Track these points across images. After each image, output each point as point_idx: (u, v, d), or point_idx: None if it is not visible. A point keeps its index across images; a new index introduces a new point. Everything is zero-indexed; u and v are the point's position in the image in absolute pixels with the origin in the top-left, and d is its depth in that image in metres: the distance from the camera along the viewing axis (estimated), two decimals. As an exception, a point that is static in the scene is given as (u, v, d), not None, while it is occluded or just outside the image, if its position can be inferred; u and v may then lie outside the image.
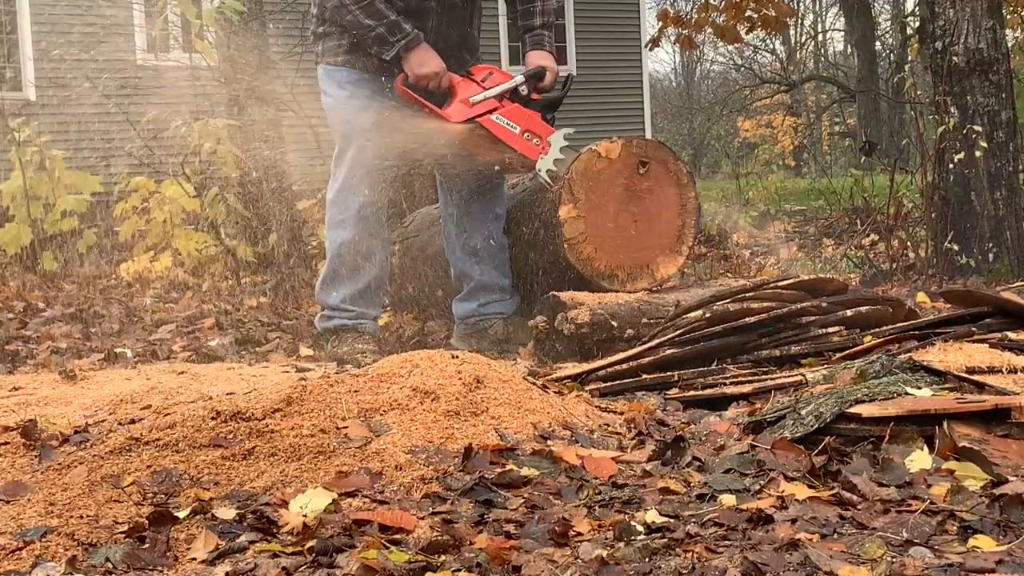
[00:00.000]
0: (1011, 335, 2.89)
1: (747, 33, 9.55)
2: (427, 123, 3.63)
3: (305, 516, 1.80)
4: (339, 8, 3.55)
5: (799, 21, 26.39)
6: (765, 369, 2.90)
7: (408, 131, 3.70)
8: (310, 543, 1.69)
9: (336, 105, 3.71)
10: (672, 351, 2.95)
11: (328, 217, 3.76)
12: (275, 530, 1.78)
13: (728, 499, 1.89)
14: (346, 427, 2.19)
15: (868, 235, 6.60)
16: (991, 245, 4.95)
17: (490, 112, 3.58)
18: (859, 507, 1.85)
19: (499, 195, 3.90)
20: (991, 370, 2.59)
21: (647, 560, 1.63)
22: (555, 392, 2.68)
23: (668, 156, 3.81)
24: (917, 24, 9.43)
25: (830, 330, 3.03)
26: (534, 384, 2.62)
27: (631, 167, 3.72)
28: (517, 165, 3.69)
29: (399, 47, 3.53)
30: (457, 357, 2.52)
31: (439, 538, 1.71)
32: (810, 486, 1.94)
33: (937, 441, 2.08)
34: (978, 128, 4.90)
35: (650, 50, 10.89)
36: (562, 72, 3.85)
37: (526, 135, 3.60)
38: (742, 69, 27.70)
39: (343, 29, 3.64)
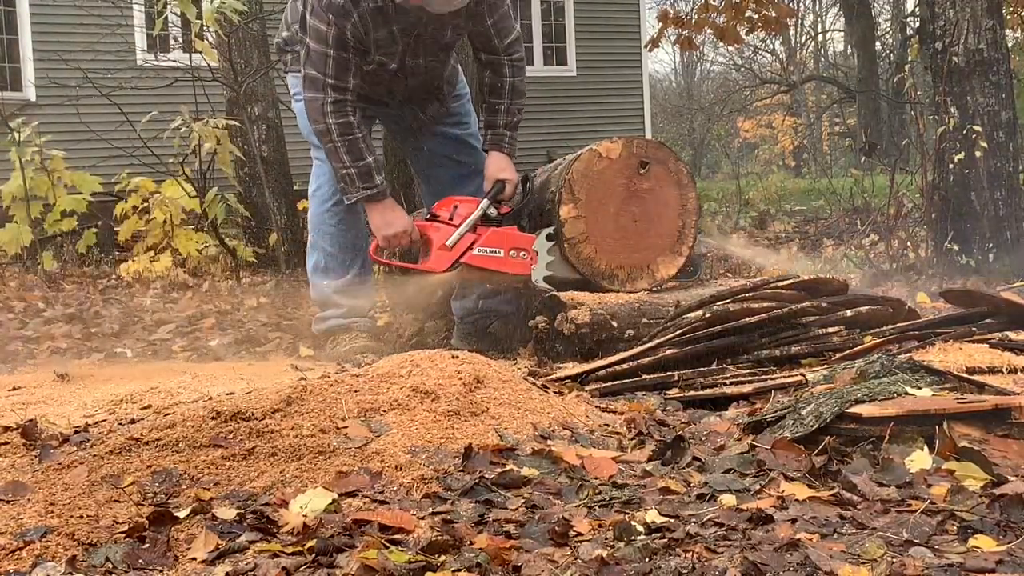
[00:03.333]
0: (1011, 335, 2.89)
1: (747, 34, 9.56)
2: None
3: (305, 516, 1.80)
4: (324, 134, 3.46)
5: (799, 21, 26.40)
6: (765, 369, 2.90)
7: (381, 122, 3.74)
8: (310, 543, 1.69)
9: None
10: (672, 351, 2.95)
11: (310, 214, 3.82)
12: (275, 530, 1.78)
13: (728, 499, 1.89)
14: (346, 427, 2.19)
15: (868, 235, 6.61)
16: (991, 245, 4.95)
17: (470, 248, 3.54)
18: (859, 507, 1.85)
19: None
20: (991, 370, 2.60)
21: (647, 560, 1.63)
22: (555, 392, 2.68)
23: (668, 156, 3.81)
24: (917, 24, 9.43)
25: (830, 330, 3.03)
26: (534, 384, 2.62)
27: (632, 167, 3.73)
28: (514, 282, 3.68)
29: (362, 196, 3.50)
30: (457, 357, 2.52)
31: (439, 538, 1.71)
32: (810, 486, 1.94)
33: (937, 441, 2.08)
34: (978, 128, 4.90)
35: (650, 50, 10.89)
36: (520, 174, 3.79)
37: (511, 253, 3.58)
38: (742, 69, 27.71)
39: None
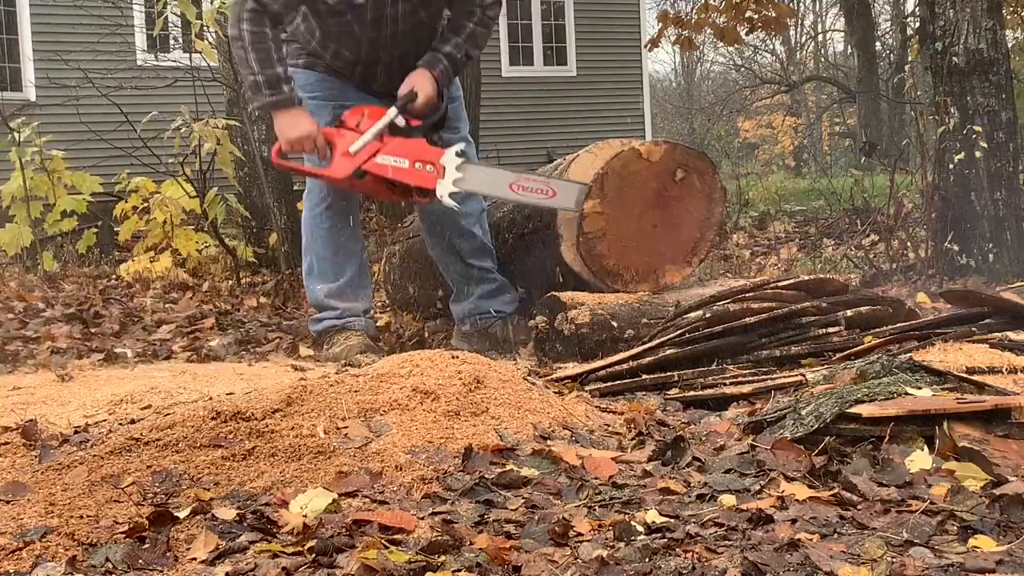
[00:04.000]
0: (1011, 335, 2.89)
1: (747, 34, 9.55)
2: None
3: (305, 516, 1.80)
4: (236, 40, 3.44)
5: (799, 21, 26.40)
6: (765, 369, 2.90)
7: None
8: (310, 543, 1.69)
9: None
10: (672, 351, 2.95)
11: (303, 215, 3.80)
12: (275, 530, 1.78)
13: (728, 499, 1.89)
14: (346, 427, 2.19)
15: (868, 235, 6.61)
16: (991, 245, 4.94)
17: (374, 155, 3.46)
18: (859, 507, 1.85)
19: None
20: (991, 370, 2.60)
21: (647, 560, 1.63)
22: (555, 392, 2.68)
23: (708, 168, 3.75)
24: (917, 25, 9.42)
25: (830, 330, 3.03)
26: (534, 384, 2.62)
27: (669, 172, 3.67)
28: (418, 197, 3.58)
29: (267, 103, 3.47)
30: (457, 357, 2.52)
31: (439, 538, 1.71)
32: (810, 486, 1.94)
33: (937, 441, 2.08)
34: (978, 128, 4.90)
35: (650, 50, 10.89)
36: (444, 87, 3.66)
37: (417, 166, 3.48)
38: (742, 69, 27.71)
39: (306, 37, 3.62)
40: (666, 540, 1.70)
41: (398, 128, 3.49)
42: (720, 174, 3.81)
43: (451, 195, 3.49)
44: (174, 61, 8.30)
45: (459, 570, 1.61)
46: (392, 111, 3.48)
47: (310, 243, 3.75)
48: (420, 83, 3.53)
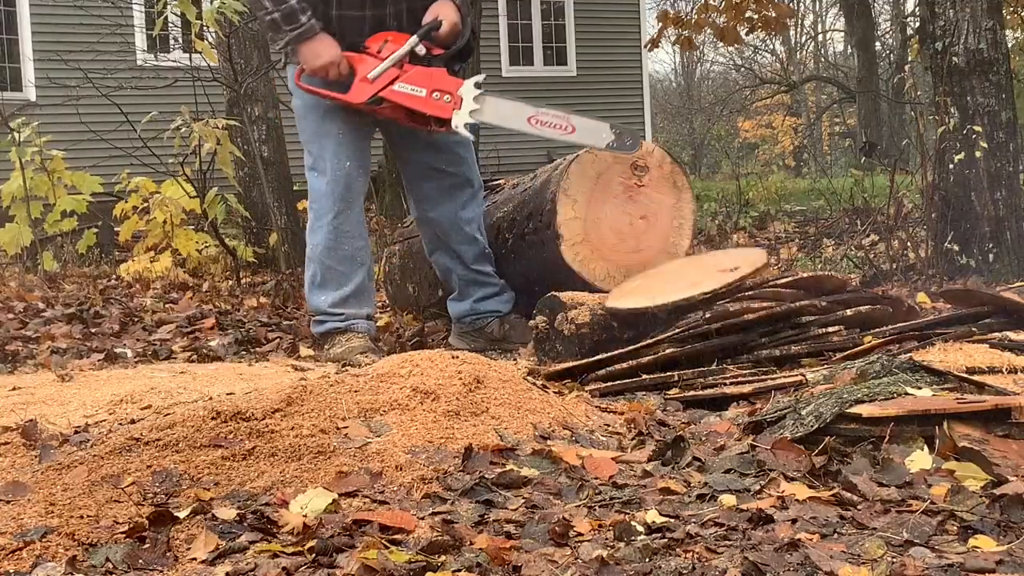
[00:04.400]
0: (1011, 335, 2.89)
1: (747, 34, 9.56)
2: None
3: (305, 516, 1.80)
4: None
5: (799, 21, 26.41)
6: (765, 369, 2.90)
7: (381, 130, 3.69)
8: (310, 543, 1.69)
9: (304, 108, 3.66)
10: (672, 351, 2.95)
11: (309, 222, 3.72)
12: (275, 530, 1.78)
13: (728, 499, 1.89)
14: (346, 427, 2.19)
15: (868, 235, 6.61)
16: (991, 245, 4.94)
17: (391, 83, 3.47)
18: (859, 507, 1.85)
19: (473, 196, 3.86)
20: (991, 370, 2.60)
21: (647, 560, 1.63)
22: (555, 392, 2.68)
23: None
24: (917, 24, 9.43)
25: (830, 330, 3.03)
26: (534, 384, 2.62)
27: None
28: (434, 126, 3.58)
29: (291, 37, 3.45)
30: (457, 357, 2.52)
31: (439, 538, 1.71)
32: (810, 486, 1.94)
33: (937, 441, 2.08)
34: (978, 128, 4.90)
35: (650, 50, 10.89)
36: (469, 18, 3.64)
37: (435, 95, 3.49)
38: (742, 69, 27.71)
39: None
40: (666, 540, 1.70)
41: (420, 57, 3.51)
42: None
43: (466, 125, 3.51)
44: (174, 61, 8.30)
45: (459, 570, 1.61)
46: (413, 39, 3.50)
47: (314, 253, 3.66)
48: (443, 11, 3.53)
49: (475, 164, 3.89)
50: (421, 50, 3.50)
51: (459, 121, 3.50)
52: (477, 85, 3.51)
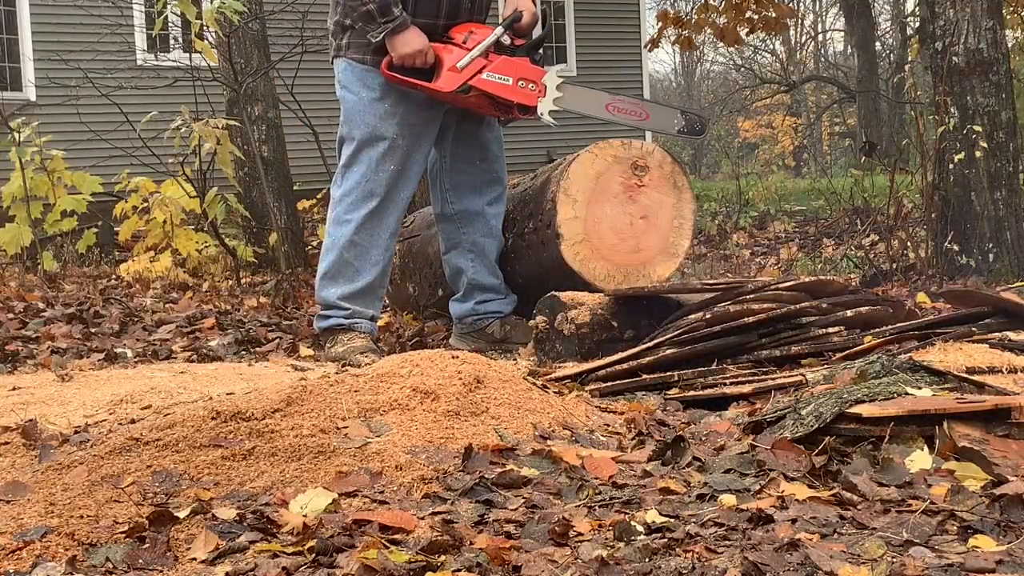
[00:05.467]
0: (1011, 335, 2.89)
1: (747, 34, 9.56)
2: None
3: (305, 516, 1.80)
4: None
5: (799, 21, 26.41)
6: (765, 369, 2.90)
7: (432, 136, 3.72)
8: (310, 543, 1.69)
9: (359, 104, 3.66)
10: (672, 351, 2.95)
11: (334, 213, 3.69)
12: (275, 530, 1.78)
13: (728, 499, 1.89)
14: (346, 427, 2.19)
15: (868, 235, 6.61)
16: (991, 245, 4.95)
17: (479, 72, 3.58)
18: (859, 507, 1.85)
19: (500, 194, 3.90)
20: (991, 370, 2.60)
21: (647, 560, 1.63)
22: (555, 392, 2.68)
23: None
24: (917, 24, 9.43)
25: (830, 330, 3.03)
26: (534, 384, 2.62)
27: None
28: (519, 113, 3.70)
29: (386, 30, 3.52)
30: (457, 357, 2.51)
31: (439, 538, 1.71)
32: (810, 486, 1.94)
33: (937, 441, 2.08)
34: (978, 128, 4.90)
35: (650, 50, 10.89)
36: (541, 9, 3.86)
37: (520, 83, 3.61)
38: (742, 69, 27.71)
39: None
40: (666, 540, 1.70)
41: (504, 47, 3.62)
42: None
43: (551, 112, 3.64)
44: (174, 61, 8.30)
45: (459, 570, 1.61)
46: (499, 29, 3.62)
47: (337, 244, 3.66)
48: (523, 3, 3.67)
49: (505, 163, 3.93)
50: (506, 40, 3.63)
51: (544, 108, 3.64)
52: (559, 74, 3.67)
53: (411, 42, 3.54)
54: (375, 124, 3.63)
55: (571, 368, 3.05)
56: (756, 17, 9.16)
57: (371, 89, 3.64)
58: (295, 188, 7.25)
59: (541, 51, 3.71)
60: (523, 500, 1.92)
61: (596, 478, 2.04)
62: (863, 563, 1.60)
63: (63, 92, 9.09)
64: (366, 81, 3.64)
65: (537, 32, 3.76)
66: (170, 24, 8.28)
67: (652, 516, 1.80)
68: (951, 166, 4.99)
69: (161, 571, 1.66)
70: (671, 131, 3.83)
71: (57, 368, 3.28)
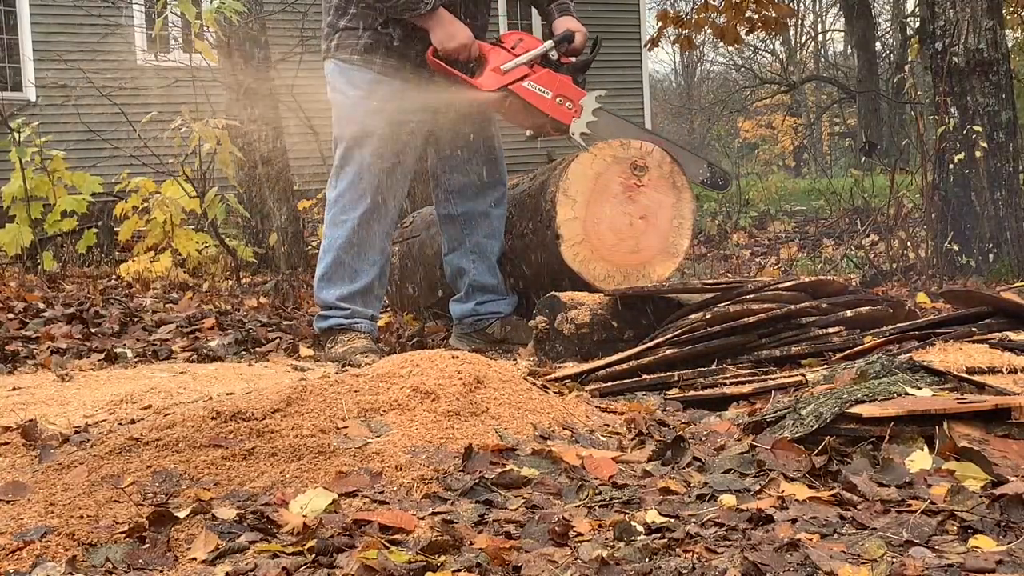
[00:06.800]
0: (1011, 335, 2.89)
1: (747, 34, 9.55)
2: (455, 99, 3.66)
3: (305, 516, 1.80)
4: None
5: (799, 21, 26.41)
6: (765, 369, 2.90)
7: (423, 134, 3.71)
8: (310, 543, 1.69)
9: (348, 104, 3.66)
10: (672, 351, 2.95)
11: (330, 215, 3.70)
12: (275, 530, 1.77)
13: (728, 499, 1.89)
14: (346, 427, 2.19)
15: (868, 235, 6.61)
16: (991, 245, 4.95)
17: (522, 79, 3.62)
18: (859, 507, 1.85)
19: (503, 195, 3.89)
20: (991, 370, 2.59)
21: (647, 560, 1.63)
22: (555, 392, 2.68)
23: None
24: (917, 25, 9.43)
25: (830, 330, 3.03)
26: (534, 384, 2.62)
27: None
28: (551, 129, 3.73)
29: (426, 11, 3.53)
30: (457, 357, 2.51)
31: (439, 538, 1.71)
32: (810, 486, 1.94)
33: (937, 441, 2.08)
34: (978, 128, 4.90)
35: (649, 50, 10.89)
36: (591, 34, 3.88)
37: (558, 100, 3.66)
38: (742, 69, 27.72)
39: (364, 26, 3.61)
40: (666, 540, 1.70)
41: (550, 61, 3.67)
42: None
43: (582, 135, 3.67)
44: (174, 61, 8.30)
45: (459, 570, 1.61)
46: (549, 43, 3.69)
47: (334, 246, 3.66)
48: (573, 24, 3.77)
49: (505, 164, 3.95)
50: (554, 55, 3.68)
51: (576, 129, 3.68)
52: (599, 99, 3.71)
53: (456, 35, 3.57)
54: (363, 121, 3.62)
55: (571, 368, 3.05)
56: (756, 17, 9.16)
57: (358, 87, 3.64)
58: (295, 188, 7.25)
59: (585, 74, 3.75)
60: (523, 500, 1.92)
61: (596, 478, 2.04)
62: (863, 563, 1.60)
63: (63, 92, 9.09)
64: (353, 80, 3.64)
65: (585, 55, 3.79)
66: (170, 24, 8.28)
67: (652, 516, 1.80)
68: (951, 166, 4.99)
69: (161, 571, 1.66)
70: (695, 180, 3.85)
71: (57, 368, 3.28)
